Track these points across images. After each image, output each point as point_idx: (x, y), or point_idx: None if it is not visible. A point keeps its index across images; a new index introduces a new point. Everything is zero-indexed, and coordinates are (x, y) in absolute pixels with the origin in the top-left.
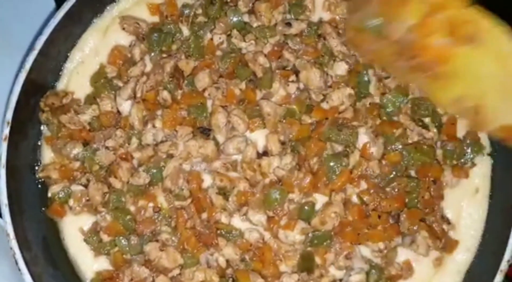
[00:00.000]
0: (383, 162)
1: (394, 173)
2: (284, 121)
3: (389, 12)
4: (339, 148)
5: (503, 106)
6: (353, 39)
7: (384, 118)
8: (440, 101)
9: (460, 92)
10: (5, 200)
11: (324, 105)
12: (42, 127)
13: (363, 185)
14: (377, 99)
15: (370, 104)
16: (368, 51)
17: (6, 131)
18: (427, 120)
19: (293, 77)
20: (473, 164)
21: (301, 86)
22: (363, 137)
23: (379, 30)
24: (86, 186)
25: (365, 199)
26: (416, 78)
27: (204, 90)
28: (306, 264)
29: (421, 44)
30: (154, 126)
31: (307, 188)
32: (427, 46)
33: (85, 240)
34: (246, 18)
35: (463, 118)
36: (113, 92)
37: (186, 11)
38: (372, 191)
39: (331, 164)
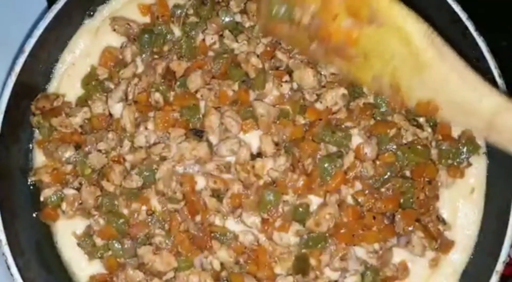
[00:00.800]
0: (378, 162)
1: (388, 173)
2: (277, 122)
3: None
4: (333, 149)
5: (415, 82)
6: (266, 26)
7: (378, 118)
8: (361, 81)
9: (374, 71)
10: None
11: (318, 105)
12: (33, 130)
13: (358, 186)
14: (370, 99)
15: (364, 104)
16: (283, 36)
17: None
18: (421, 119)
19: (286, 77)
20: (469, 164)
21: (295, 86)
22: (357, 138)
23: (288, 16)
24: (78, 189)
25: (359, 200)
26: (333, 60)
27: (196, 91)
28: (301, 266)
29: (328, 27)
30: (146, 128)
31: (302, 190)
32: (334, 29)
33: (78, 244)
34: (238, 18)
35: (386, 95)
36: (104, 94)
37: (178, 12)
38: (366, 192)
39: (325, 165)
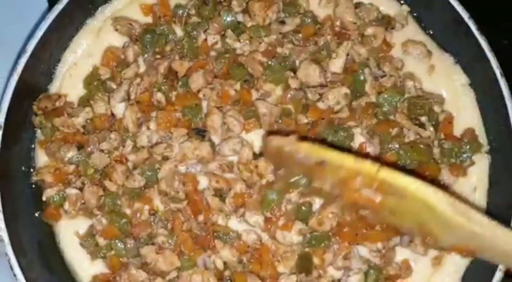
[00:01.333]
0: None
1: None
2: (280, 121)
3: (311, 175)
4: None
5: (445, 236)
6: (284, 191)
7: (381, 117)
8: (390, 226)
9: (402, 223)
10: None
11: (320, 105)
12: (35, 131)
13: None
14: (373, 98)
15: (366, 103)
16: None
17: None
18: (423, 118)
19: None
20: (472, 163)
21: (296, 85)
22: (359, 137)
23: (308, 185)
24: (81, 189)
25: None
26: (360, 212)
27: (198, 91)
28: (304, 265)
29: (350, 195)
30: (148, 128)
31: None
32: (357, 197)
33: (81, 244)
34: (240, 17)
35: (417, 241)
36: (106, 94)
37: (179, 12)
38: None
39: None
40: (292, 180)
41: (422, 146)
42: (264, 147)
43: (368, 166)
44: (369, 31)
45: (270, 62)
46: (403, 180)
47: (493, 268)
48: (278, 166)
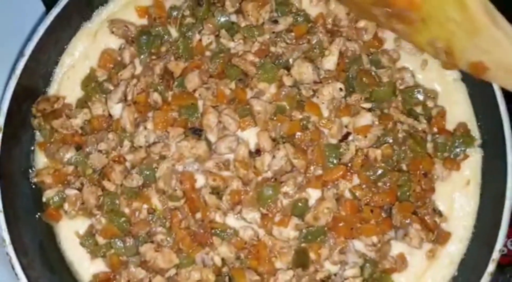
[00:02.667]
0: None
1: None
2: (274, 118)
3: None
4: (333, 141)
5: (468, 45)
6: None
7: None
8: (417, 43)
9: (431, 35)
10: None
11: (315, 100)
12: (34, 133)
13: (355, 180)
14: (367, 94)
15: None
16: (347, 2)
17: None
18: (418, 110)
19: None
20: (466, 156)
21: (290, 83)
22: None
23: None
24: (80, 189)
25: (357, 194)
26: (393, 24)
27: (194, 90)
28: (301, 260)
29: None
30: (145, 128)
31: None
32: None
33: (81, 243)
34: (233, 18)
35: (438, 59)
36: (104, 95)
37: (174, 13)
38: (364, 186)
39: (327, 153)
40: None
41: (418, 137)
42: None
43: None
44: (361, 24)
45: (262, 62)
46: None
47: (486, 260)
48: None
